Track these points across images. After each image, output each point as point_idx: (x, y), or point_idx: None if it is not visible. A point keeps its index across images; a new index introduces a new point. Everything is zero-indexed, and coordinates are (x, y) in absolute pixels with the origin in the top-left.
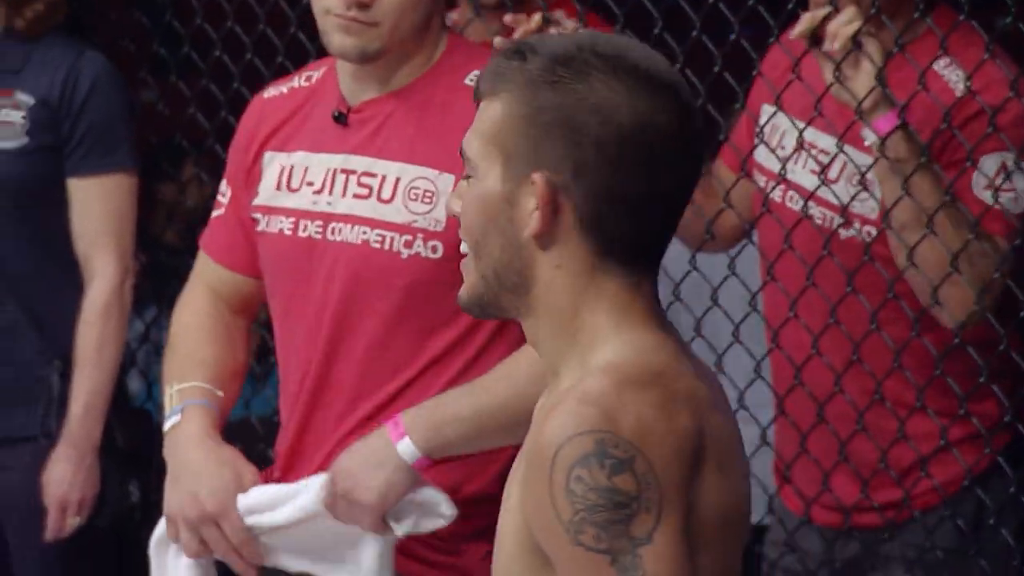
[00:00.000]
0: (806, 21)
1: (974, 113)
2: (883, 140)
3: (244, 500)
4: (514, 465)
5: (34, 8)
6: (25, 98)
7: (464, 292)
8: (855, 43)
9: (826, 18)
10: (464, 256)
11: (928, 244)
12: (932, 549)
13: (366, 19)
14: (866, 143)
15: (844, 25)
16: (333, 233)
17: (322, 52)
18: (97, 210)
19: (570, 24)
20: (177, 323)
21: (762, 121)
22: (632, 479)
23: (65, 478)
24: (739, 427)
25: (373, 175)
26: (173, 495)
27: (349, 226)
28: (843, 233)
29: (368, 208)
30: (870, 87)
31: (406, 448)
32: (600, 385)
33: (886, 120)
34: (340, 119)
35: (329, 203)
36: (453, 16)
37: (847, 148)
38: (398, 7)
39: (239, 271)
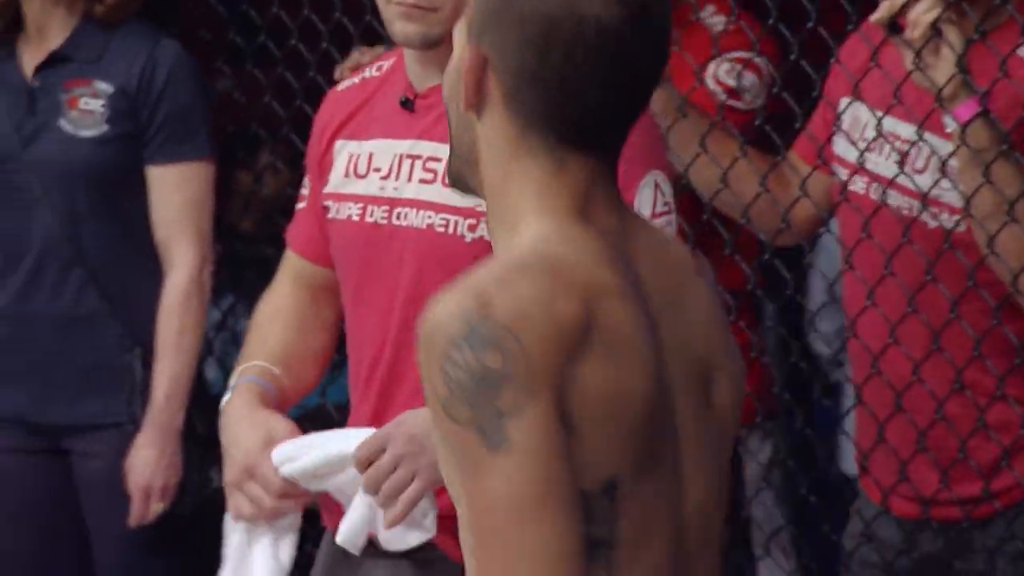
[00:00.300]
0: (885, 8)
1: None
2: (964, 127)
3: (277, 452)
4: None
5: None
6: (104, 86)
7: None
8: (935, 30)
9: (905, 5)
10: None
11: (1009, 232)
12: (1012, 538)
13: (427, 4)
14: (947, 130)
15: (924, 13)
16: (399, 218)
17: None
18: (175, 198)
19: None
20: (255, 315)
21: (840, 111)
22: (499, 357)
23: (148, 465)
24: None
25: (438, 159)
26: (224, 468)
27: (414, 211)
28: (927, 222)
29: (433, 193)
30: (950, 74)
31: None
32: (487, 271)
33: (966, 107)
34: (407, 105)
35: (396, 188)
36: None
37: (928, 135)
38: None
39: (319, 263)
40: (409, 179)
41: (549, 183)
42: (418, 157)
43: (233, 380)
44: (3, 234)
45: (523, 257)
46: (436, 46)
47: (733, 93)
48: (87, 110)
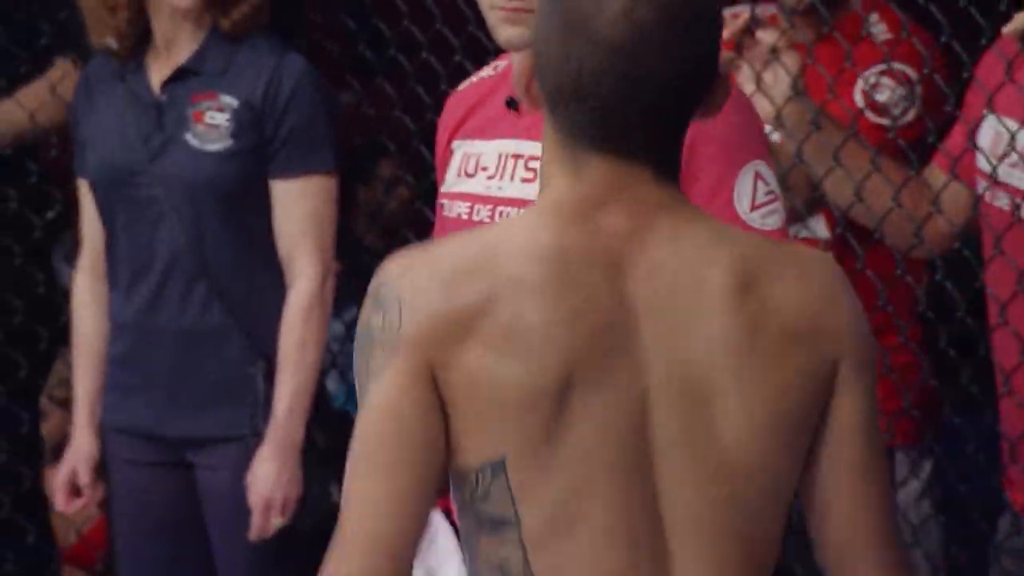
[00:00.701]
0: (1020, 20)
1: None
2: None
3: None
4: None
5: (241, 10)
6: (229, 100)
7: None
8: None
9: None
10: None
11: None
12: None
13: (527, 6)
14: None
15: None
16: (500, 217)
17: None
18: (299, 211)
19: (771, 33)
20: None
21: (981, 126)
22: (380, 320)
23: (270, 478)
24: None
25: (539, 159)
26: None
27: (515, 209)
28: None
29: (534, 191)
30: None
31: None
32: (437, 244)
33: None
34: (511, 105)
35: (500, 187)
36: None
37: None
38: None
39: None
40: (512, 178)
41: (560, 182)
42: (520, 156)
43: None
44: (130, 247)
45: (468, 240)
46: None
47: (877, 107)
48: (212, 124)
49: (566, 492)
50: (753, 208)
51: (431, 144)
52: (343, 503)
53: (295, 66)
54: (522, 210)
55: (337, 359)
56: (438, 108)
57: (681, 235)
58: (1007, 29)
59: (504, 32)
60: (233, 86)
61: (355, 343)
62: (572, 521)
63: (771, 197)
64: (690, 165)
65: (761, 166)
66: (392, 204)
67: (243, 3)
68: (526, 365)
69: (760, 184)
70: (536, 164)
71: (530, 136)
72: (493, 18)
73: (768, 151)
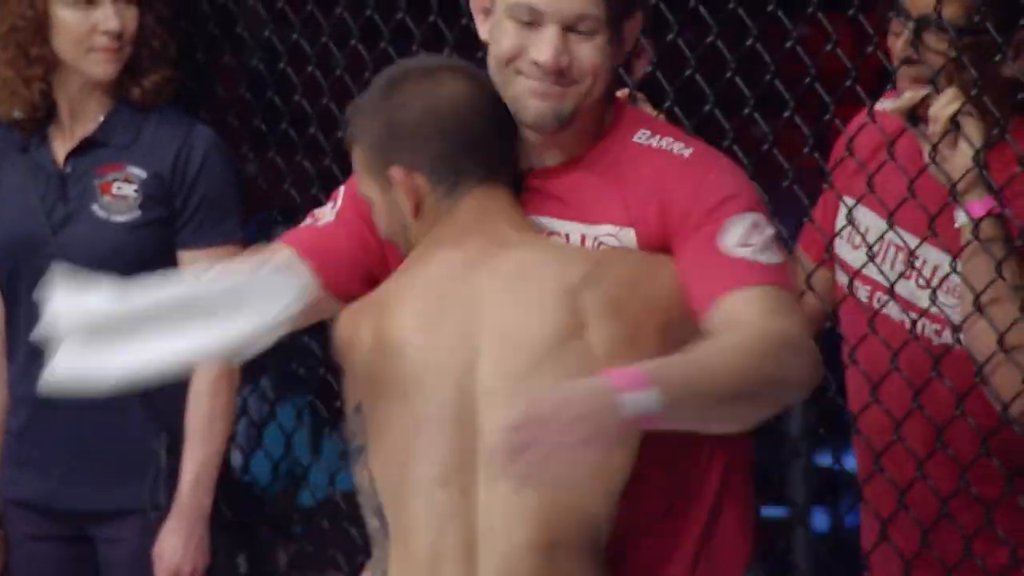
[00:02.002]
0: (906, 100)
1: None
2: (977, 223)
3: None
4: None
5: (152, 79)
6: (137, 171)
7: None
8: (953, 124)
9: (925, 98)
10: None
11: (1017, 330)
12: None
13: (567, 81)
14: (956, 224)
15: (944, 106)
16: None
17: None
18: None
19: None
20: None
21: (844, 212)
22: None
23: (177, 549)
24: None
25: (557, 233)
26: None
27: None
28: (930, 337)
29: None
30: (967, 168)
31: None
32: None
33: (981, 203)
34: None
35: None
36: None
37: (929, 247)
38: (596, 65)
39: None
40: None
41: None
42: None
43: None
44: (30, 320)
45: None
46: (564, 128)
47: None
48: (120, 195)
49: (387, 423)
50: (743, 245)
51: None
52: None
53: (204, 137)
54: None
55: (236, 432)
56: (322, 182)
57: (515, 249)
58: (892, 107)
59: (534, 107)
60: (141, 157)
61: None
62: (382, 441)
63: (767, 240)
64: (688, 230)
65: (758, 217)
66: None
67: (155, 72)
68: (373, 347)
69: (755, 231)
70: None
71: (543, 212)
72: (518, 88)
73: (760, 203)
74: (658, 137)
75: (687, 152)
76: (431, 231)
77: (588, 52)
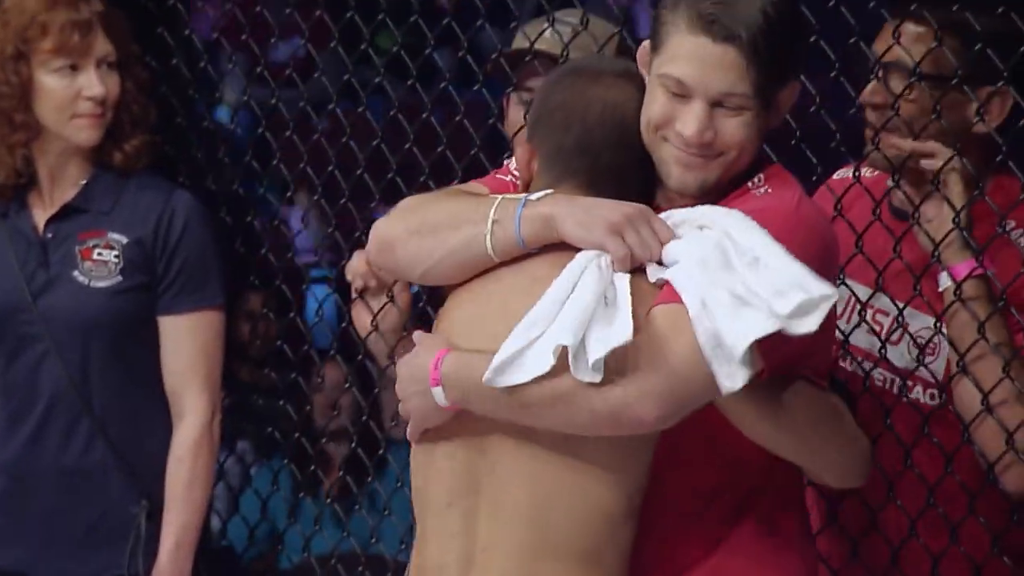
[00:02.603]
0: (889, 155)
1: None
2: (959, 284)
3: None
4: None
5: (133, 144)
6: (118, 237)
7: None
8: (936, 182)
9: (908, 157)
10: None
11: (1001, 390)
12: None
13: (712, 152)
14: (940, 288)
15: (927, 166)
16: None
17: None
18: (188, 347)
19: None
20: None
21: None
22: None
23: None
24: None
25: None
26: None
27: None
28: (917, 398)
29: None
30: (950, 228)
31: (437, 396)
32: None
33: (965, 265)
34: None
35: None
36: None
37: (909, 311)
38: (741, 139)
39: None
40: None
41: None
42: None
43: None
44: (13, 385)
45: None
46: (707, 193)
47: None
48: (101, 261)
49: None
50: None
51: (294, 282)
52: None
53: (185, 203)
54: None
55: (214, 496)
56: (301, 244)
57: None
58: (870, 163)
59: (678, 174)
60: (122, 223)
61: None
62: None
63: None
64: None
65: None
66: (259, 340)
67: (136, 138)
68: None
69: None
70: None
71: None
72: (666, 153)
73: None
74: (762, 187)
75: (764, 191)
76: None
77: (733, 128)
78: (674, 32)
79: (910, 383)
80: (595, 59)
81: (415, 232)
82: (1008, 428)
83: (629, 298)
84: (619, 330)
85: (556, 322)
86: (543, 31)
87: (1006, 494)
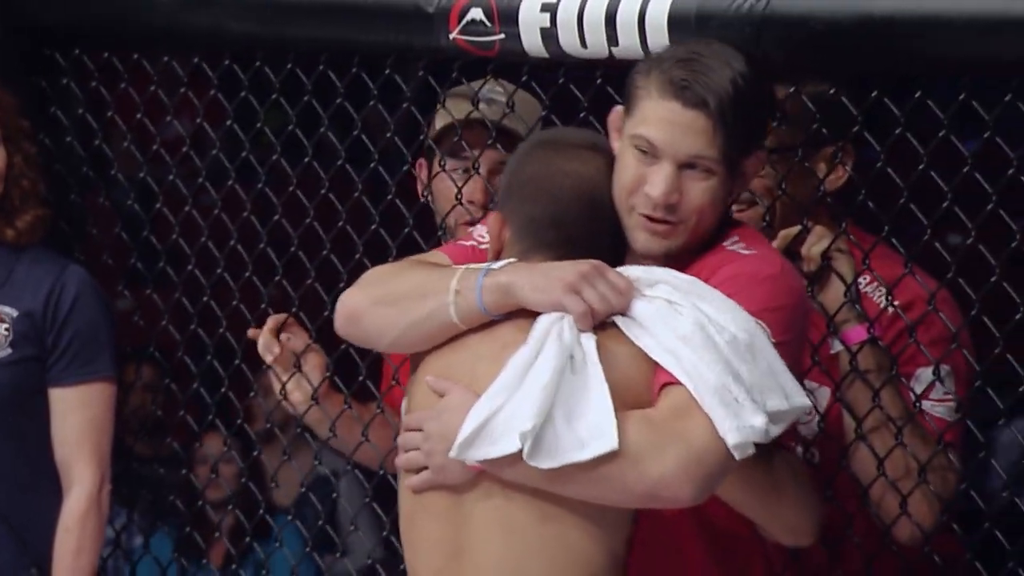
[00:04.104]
0: (780, 239)
1: (901, 330)
2: (854, 353)
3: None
4: None
5: (25, 219)
6: (8, 310)
7: None
8: (824, 259)
9: (797, 235)
10: None
11: (896, 455)
12: None
13: (674, 219)
14: (832, 351)
15: (814, 245)
16: None
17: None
18: (77, 418)
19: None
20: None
21: None
22: None
23: None
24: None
25: None
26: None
27: None
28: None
29: None
30: (841, 301)
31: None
32: None
33: (855, 332)
34: None
35: None
36: None
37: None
38: (705, 204)
39: None
40: None
41: None
42: None
43: (466, 275)
44: None
45: None
46: (673, 260)
47: None
48: None
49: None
50: None
51: (195, 353)
52: None
53: (76, 277)
54: None
55: (107, 565)
56: (203, 319)
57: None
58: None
59: (643, 240)
60: (13, 296)
61: None
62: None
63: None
64: None
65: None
66: (156, 410)
67: (27, 213)
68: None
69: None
70: None
71: None
72: (633, 221)
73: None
74: (740, 244)
75: (750, 252)
76: None
77: (699, 192)
78: (646, 97)
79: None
80: (564, 131)
81: (380, 302)
82: (903, 495)
83: (602, 378)
84: (600, 422)
85: (517, 397)
86: (470, 113)
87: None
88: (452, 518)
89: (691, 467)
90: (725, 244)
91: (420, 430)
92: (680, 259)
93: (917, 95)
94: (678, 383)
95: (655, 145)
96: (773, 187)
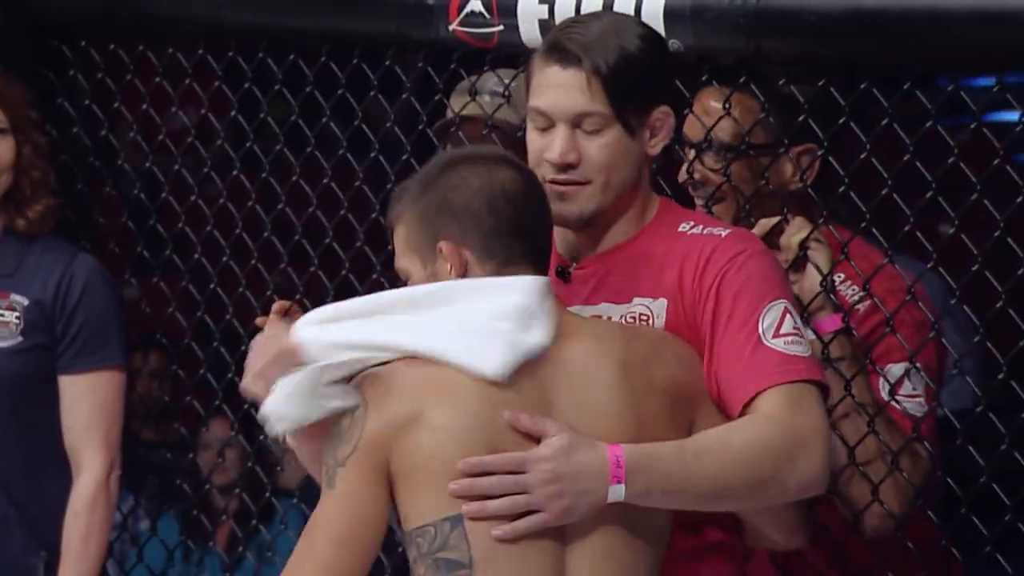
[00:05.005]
0: (759, 228)
1: (877, 323)
2: (827, 343)
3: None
4: None
5: (35, 209)
6: (19, 299)
7: None
8: (802, 249)
9: (775, 225)
10: None
11: (867, 444)
12: None
13: (579, 178)
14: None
15: (793, 235)
16: None
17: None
18: (86, 405)
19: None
20: None
21: None
22: (349, 422)
23: None
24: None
25: (599, 316)
26: None
27: None
28: None
29: None
30: (817, 291)
31: (616, 493)
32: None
33: (830, 321)
34: (563, 275)
35: None
36: None
37: None
38: (606, 161)
39: None
40: None
41: None
42: None
43: None
44: None
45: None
46: (591, 224)
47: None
48: (3, 322)
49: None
50: (776, 335)
51: (203, 340)
52: (297, 556)
53: (86, 266)
54: None
55: (114, 548)
56: (209, 307)
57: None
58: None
59: (556, 207)
60: (24, 285)
61: (329, 438)
62: (510, 559)
63: (796, 331)
64: (720, 304)
65: (788, 304)
66: (163, 396)
67: (38, 203)
68: (450, 443)
69: (787, 318)
70: None
71: (587, 303)
72: (546, 191)
73: (792, 296)
74: (702, 227)
75: (724, 232)
76: None
77: (596, 149)
78: (534, 70)
79: None
80: (473, 148)
81: None
82: (874, 482)
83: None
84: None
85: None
86: (466, 104)
87: (870, 539)
88: (552, 553)
89: (824, 459)
90: (683, 229)
91: (519, 472)
92: (616, 235)
93: (906, 86)
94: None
95: (545, 112)
96: (749, 181)
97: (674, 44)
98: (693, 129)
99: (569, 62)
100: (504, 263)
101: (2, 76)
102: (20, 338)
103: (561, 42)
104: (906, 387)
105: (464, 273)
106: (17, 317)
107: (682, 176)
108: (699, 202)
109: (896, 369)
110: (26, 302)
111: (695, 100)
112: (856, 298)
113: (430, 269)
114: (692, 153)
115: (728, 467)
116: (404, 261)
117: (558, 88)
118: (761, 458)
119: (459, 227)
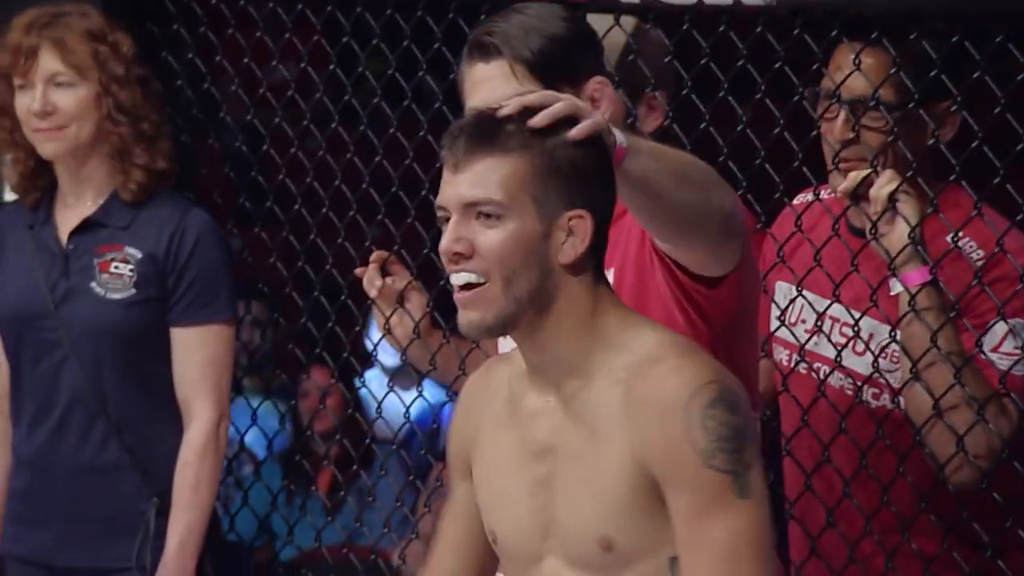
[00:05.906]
0: (850, 180)
1: (995, 278)
2: (914, 294)
3: None
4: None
5: (135, 179)
6: (133, 252)
7: (489, 315)
8: (891, 202)
9: (865, 177)
10: (480, 285)
11: (952, 394)
12: None
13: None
14: (891, 292)
15: (883, 187)
16: None
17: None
18: (197, 358)
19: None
20: None
21: (778, 298)
22: (740, 416)
23: None
24: None
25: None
26: None
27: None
28: (869, 402)
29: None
30: (905, 243)
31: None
32: (683, 350)
33: (918, 273)
34: None
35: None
36: None
37: (866, 319)
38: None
39: None
40: None
41: (613, 299)
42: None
43: None
44: (34, 386)
45: (679, 341)
46: None
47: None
48: (117, 274)
49: None
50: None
51: (303, 290)
52: None
53: (198, 221)
54: None
55: (219, 492)
56: (309, 257)
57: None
58: (838, 190)
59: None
60: (137, 239)
61: (720, 440)
62: None
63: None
64: None
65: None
66: (265, 345)
67: (137, 172)
68: None
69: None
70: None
71: None
72: None
73: None
74: None
75: None
76: (593, 303)
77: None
78: (463, 73)
79: (875, 391)
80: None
81: None
82: (958, 432)
83: None
84: None
85: None
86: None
87: (955, 491)
88: None
89: None
90: None
91: None
92: None
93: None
94: None
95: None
96: (884, 141)
97: None
98: (849, 87)
99: (491, 55)
100: (598, 265)
101: (84, 34)
102: (133, 290)
103: (479, 38)
104: (1007, 344)
105: (580, 259)
106: (131, 270)
107: (835, 133)
108: (843, 165)
109: (999, 326)
110: (140, 255)
111: (831, 58)
112: (975, 255)
113: (541, 230)
114: (837, 111)
115: (688, 161)
116: (504, 196)
117: (484, 83)
118: (698, 168)
119: (598, 191)
